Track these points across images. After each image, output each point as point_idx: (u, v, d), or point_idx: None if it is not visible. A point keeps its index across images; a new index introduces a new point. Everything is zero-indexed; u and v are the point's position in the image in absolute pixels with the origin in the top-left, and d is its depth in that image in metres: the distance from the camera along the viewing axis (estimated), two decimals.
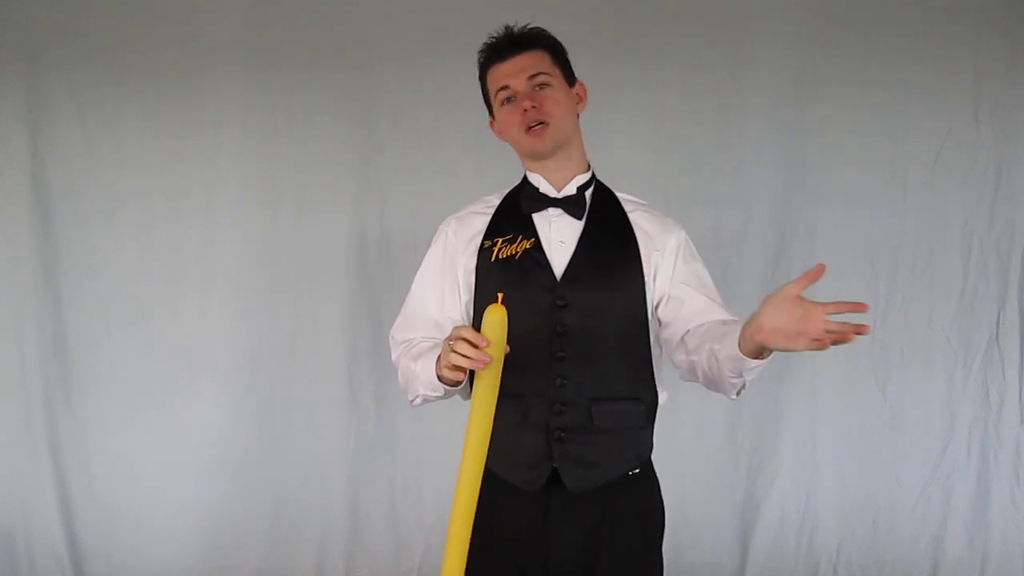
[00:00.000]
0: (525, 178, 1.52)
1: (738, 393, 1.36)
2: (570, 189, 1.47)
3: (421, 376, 1.40)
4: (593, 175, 1.52)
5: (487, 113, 1.55)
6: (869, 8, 2.61)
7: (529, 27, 1.46)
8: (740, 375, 1.27)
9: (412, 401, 1.47)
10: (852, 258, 2.67)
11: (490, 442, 1.48)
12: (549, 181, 1.48)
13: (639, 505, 1.49)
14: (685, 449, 2.64)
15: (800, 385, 2.70)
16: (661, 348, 1.50)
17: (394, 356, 1.55)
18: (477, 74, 1.52)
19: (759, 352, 1.19)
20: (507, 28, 1.46)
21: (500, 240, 1.45)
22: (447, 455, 2.68)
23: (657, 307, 1.47)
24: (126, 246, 2.68)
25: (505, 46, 1.44)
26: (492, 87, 1.46)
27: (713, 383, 1.36)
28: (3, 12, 2.61)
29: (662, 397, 1.49)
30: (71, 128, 2.65)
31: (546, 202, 1.46)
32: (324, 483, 2.73)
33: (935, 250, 2.66)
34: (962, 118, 2.62)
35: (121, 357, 2.70)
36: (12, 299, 2.68)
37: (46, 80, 2.63)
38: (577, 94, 1.49)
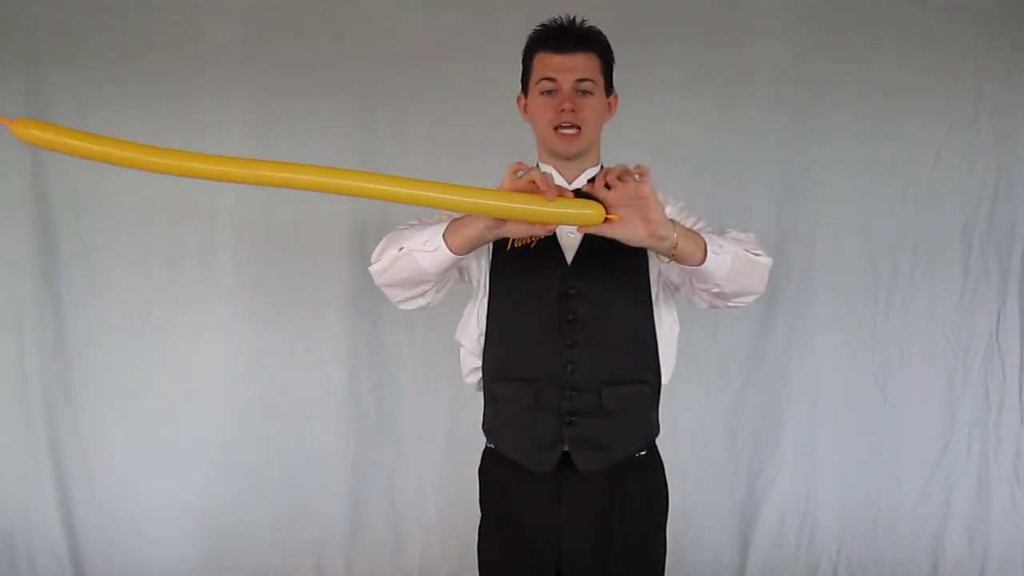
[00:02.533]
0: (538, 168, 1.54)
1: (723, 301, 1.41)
2: (580, 181, 1.50)
3: (427, 230, 1.34)
4: (602, 167, 1.54)
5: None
6: (869, 9, 2.61)
7: (590, 26, 1.46)
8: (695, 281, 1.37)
9: (378, 257, 1.40)
10: (852, 258, 2.68)
11: (501, 425, 1.51)
12: (561, 174, 1.50)
13: (646, 485, 1.53)
14: (686, 449, 2.64)
15: (800, 385, 2.71)
16: (668, 329, 1.51)
17: (376, 253, 1.44)
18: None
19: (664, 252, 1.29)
20: (572, 19, 1.45)
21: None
22: (447, 455, 2.71)
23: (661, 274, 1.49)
24: (126, 246, 2.68)
25: (565, 39, 1.43)
26: (537, 72, 1.46)
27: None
28: (3, 12, 2.61)
29: (665, 377, 1.52)
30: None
31: None
32: (324, 483, 2.73)
33: (935, 250, 2.67)
34: (962, 119, 2.63)
35: (121, 357, 2.70)
36: (12, 299, 2.67)
37: (46, 80, 2.63)
38: (609, 103, 1.51)
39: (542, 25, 1.47)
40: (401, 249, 1.37)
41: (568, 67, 1.42)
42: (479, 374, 1.55)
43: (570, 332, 1.44)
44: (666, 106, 2.63)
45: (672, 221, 1.26)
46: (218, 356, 2.71)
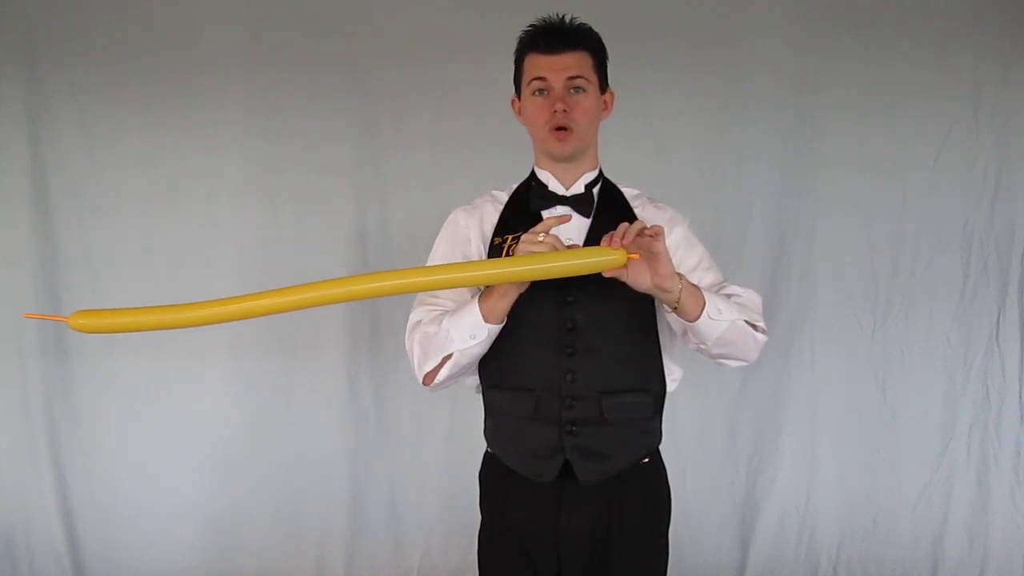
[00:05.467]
0: (533, 173, 1.52)
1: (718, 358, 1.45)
2: (578, 187, 1.49)
3: (464, 320, 1.37)
4: (600, 172, 1.53)
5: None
6: (869, 9, 2.61)
7: (580, 23, 1.45)
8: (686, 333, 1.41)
9: (432, 372, 1.43)
10: (852, 259, 2.67)
11: (500, 435, 1.51)
12: (558, 179, 1.49)
13: (648, 494, 1.51)
14: (686, 449, 2.64)
15: (800, 385, 2.70)
16: (670, 338, 1.51)
17: (408, 335, 1.48)
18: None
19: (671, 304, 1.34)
20: (560, 18, 1.44)
21: (510, 237, 1.46)
22: (447, 455, 2.71)
23: None
24: (126, 246, 2.68)
25: (554, 38, 1.42)
26: (528, 73, 1.45)
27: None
28: (3, 12, 2.61)
29: (670, 386, 1.51)
30: (71, 128, 2.65)
31: (555, 200, 1.48)
32: (324, 483, 2.73)
33: (935, 251, 2.67)
34: (962, 119, 2.63)
35: (121, 357, 2.70)
36: (12, 299, 2.67)
37: (46, 80, 2.63)
38: (604, 101, 1.49)
39: (531, 25, 1.45)
40: (450, 356, 1.40)
41: (559, 66, 1.41)
42: (478, 378, 1.54)
43: (569, 340, 1.42)
44: (666, 105, 2.62)
45: (678, 275, 1.30)
46: (219, 356, 2.71)
